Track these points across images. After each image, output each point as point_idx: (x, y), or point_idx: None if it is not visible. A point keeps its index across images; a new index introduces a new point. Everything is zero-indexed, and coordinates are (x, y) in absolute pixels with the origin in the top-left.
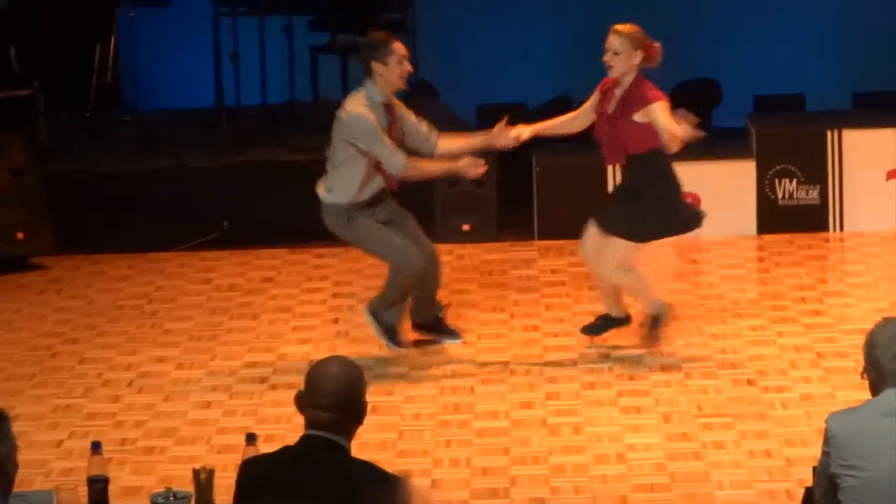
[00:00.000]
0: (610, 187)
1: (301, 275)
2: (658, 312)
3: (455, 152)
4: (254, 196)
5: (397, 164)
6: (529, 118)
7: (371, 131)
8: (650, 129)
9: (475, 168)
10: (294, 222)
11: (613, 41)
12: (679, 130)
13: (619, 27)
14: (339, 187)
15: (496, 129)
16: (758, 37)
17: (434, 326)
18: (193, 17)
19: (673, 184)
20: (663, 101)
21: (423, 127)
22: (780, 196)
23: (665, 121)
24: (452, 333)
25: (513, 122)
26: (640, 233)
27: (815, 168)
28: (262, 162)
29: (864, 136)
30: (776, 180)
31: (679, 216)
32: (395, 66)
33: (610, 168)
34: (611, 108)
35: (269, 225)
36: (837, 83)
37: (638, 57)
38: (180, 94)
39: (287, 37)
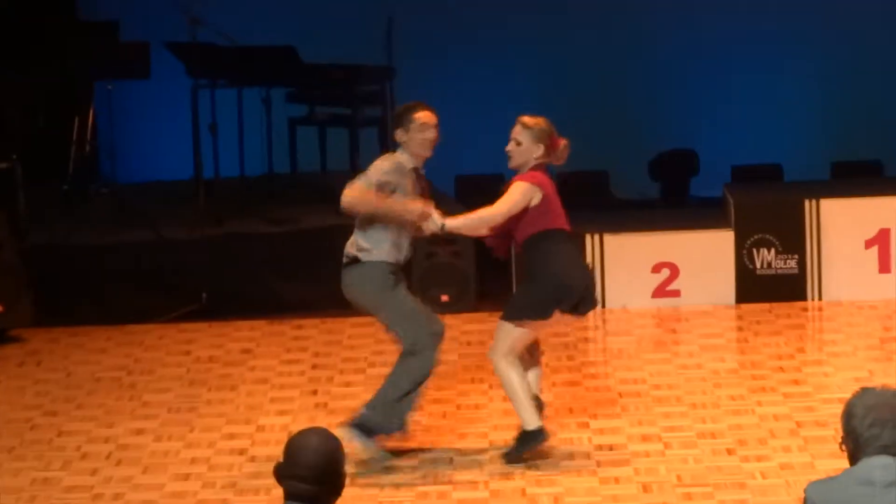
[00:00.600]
0: (588, 258)
1: (280, 346)
2: (531, 432)
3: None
4: (232, 268)
5: (348, 192)
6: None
7: (371, 170)
8: (534, 214)
9: (425, 217)
10: (272, 294)
11: (518, 131)
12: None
13: (525, 118)
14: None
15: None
16: (735, 108)
17: None
18: (171, 90)
19: (548, 267)
20: (521, 182)
21: None
22: (758, 265)
23: (500, 200)
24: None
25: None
26: (514, 314)
27: (793, 237)
28: (240, 234)
29: (843, 206)
30: (754, 250)
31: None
32: (415, 133)
33: (588, 237)
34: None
35: (247, 297)
36: (815, 153)
37: (538, 151)
38: (158, 166)
39: (265, 108)
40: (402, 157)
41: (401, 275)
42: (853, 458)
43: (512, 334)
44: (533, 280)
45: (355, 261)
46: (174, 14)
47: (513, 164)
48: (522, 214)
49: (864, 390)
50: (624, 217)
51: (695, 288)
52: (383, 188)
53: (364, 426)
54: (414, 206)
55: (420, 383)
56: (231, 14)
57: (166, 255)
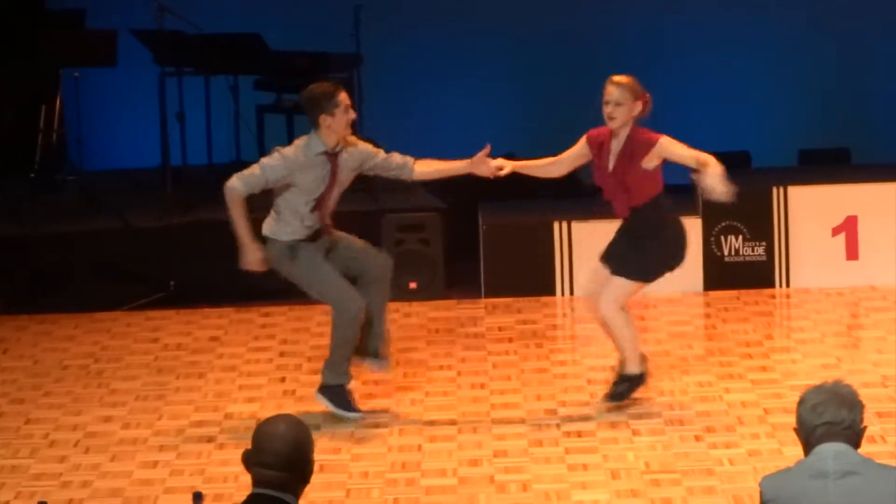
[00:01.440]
0: (556, 245)
1: (248, 334)
2: (639, 372)
3: (434, 175)
4: (200, 256)
5: (235, 184)
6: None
7: (266, 160)
8: (657, 175)
9: (486, 165)
10: (240, 281)
11: (613, 92)
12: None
13: (618, 78)
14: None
15: (478, 156)
16: (702, 95)
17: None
18: (139, 78)
19: (677, 226)
20: (663, 137)
21: (395, 157)
22: (726, 252)
23: (681, 149)
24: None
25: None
26: (635, 273)
27: (760, 224)
28: (208, 222)
29: (810, 193)
30: (722, 237)
31: (677, 255)
32: (341, 115)
33: (556, 225)
34: (611, 162)
35: (215, 284)
36: (783, 140)
37: (637, 108)
38: (126, 154)
39: (233, 96)
40: (313, 143)
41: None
42: (805, 448)
43: (627, 290)
44: (655, 241)
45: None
46: (141, 2)
47: (615, 124)
48: (650, 174)
49: (819, 386)
50: (592, 205)
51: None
52: (276, 183)
53: (326, 389)
54: (247, 250)
55: (352, 340)
56: (198, 2)
57: (134, 243)
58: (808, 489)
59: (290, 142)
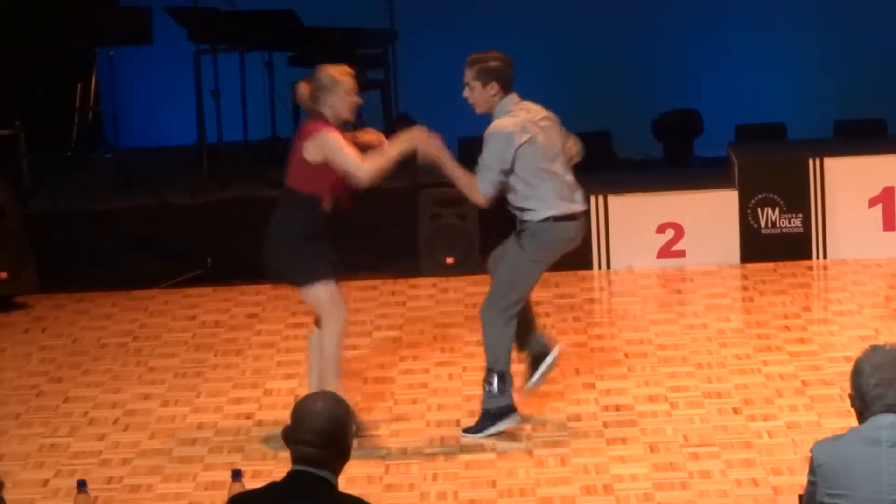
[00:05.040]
0: (593, 219)
1: (285, 310)
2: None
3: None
4: (237, 232)
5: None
6: None
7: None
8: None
9: (425, 140)
10: None
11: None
12: None
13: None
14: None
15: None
16: (738, 67)
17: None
18: (174, 55)
19: None
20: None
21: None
22: (762, 225)
23: None
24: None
25: None
26: None
27: (797, 196)
28: (245, 198)
29: (846, 164)
30: (759, 209)
31: None
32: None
33: (592, 198)
34: None
35: (252, 261)
36: (819, 111)
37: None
38: (161, 131)
39: (268, 73)
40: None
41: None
42: (861, 417)
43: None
44: None
45: None
46: None
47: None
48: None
49: (873, 348)
50: (627, 178)
51: (699, 248)
52: None
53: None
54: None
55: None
56: None
57: (170, 221)
58: (861, 456)
59: None
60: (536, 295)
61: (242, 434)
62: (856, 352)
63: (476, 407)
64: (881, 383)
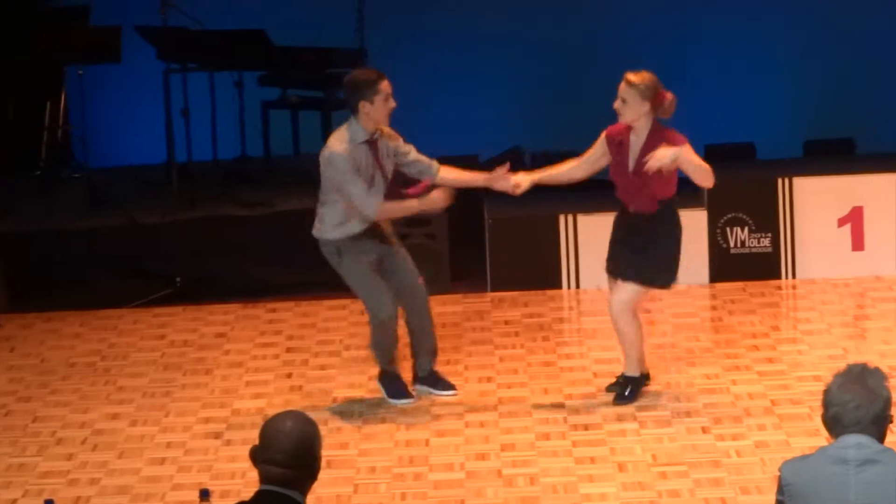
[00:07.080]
0: (562, 239)
1: (254, 329)
2: (639, 375)
3: (454, 183)
4: (206, 252)
5: (370, 206)
6: (481, 170)
7: (343, 172)
8: (674, 176)
9: (504, 181)
10: (246, 277)
11: (622, 89)
12: (708, 166)
13: (630, 75)
14: (325, 223)
15: (497, 171)
16: (708, 86)
17: (427, 380)
18: (143, 74)
19: (680, 230)
20: (686, 144)
21: (423, 157)
22: (731, 244)
23: (695, 160)
24: (446, 386)
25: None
26: (656, 279)
27: (766, 216)
28: (214, 218)
29: (815, 184)
30: (728, 229)
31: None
32: (381, 104)
33: (562, 218)
34: (631, 161)
35: (221, 280)
36: (788, 131)
37: (646, 107)
38: (131, 150)
39: (238, 92)
40: (354, 131)
41: (371, 241)
42: (830, 435)
43: (638, 295)
44: (666, 245)
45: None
46: None
47: (622, 120)
48: (668, 175)
49: (848, 368)
50: (597, 197)
51: None
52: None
53: (384, 377)
54: (427, 203)
55: (384, 342)
56: None
57: (140, 240)
58: (828, 475)
59: (294, 137)
60: (506, 314)
61: (211, 454)
62: (824, 371)
63: (444, 426)
64: (849, 403)
